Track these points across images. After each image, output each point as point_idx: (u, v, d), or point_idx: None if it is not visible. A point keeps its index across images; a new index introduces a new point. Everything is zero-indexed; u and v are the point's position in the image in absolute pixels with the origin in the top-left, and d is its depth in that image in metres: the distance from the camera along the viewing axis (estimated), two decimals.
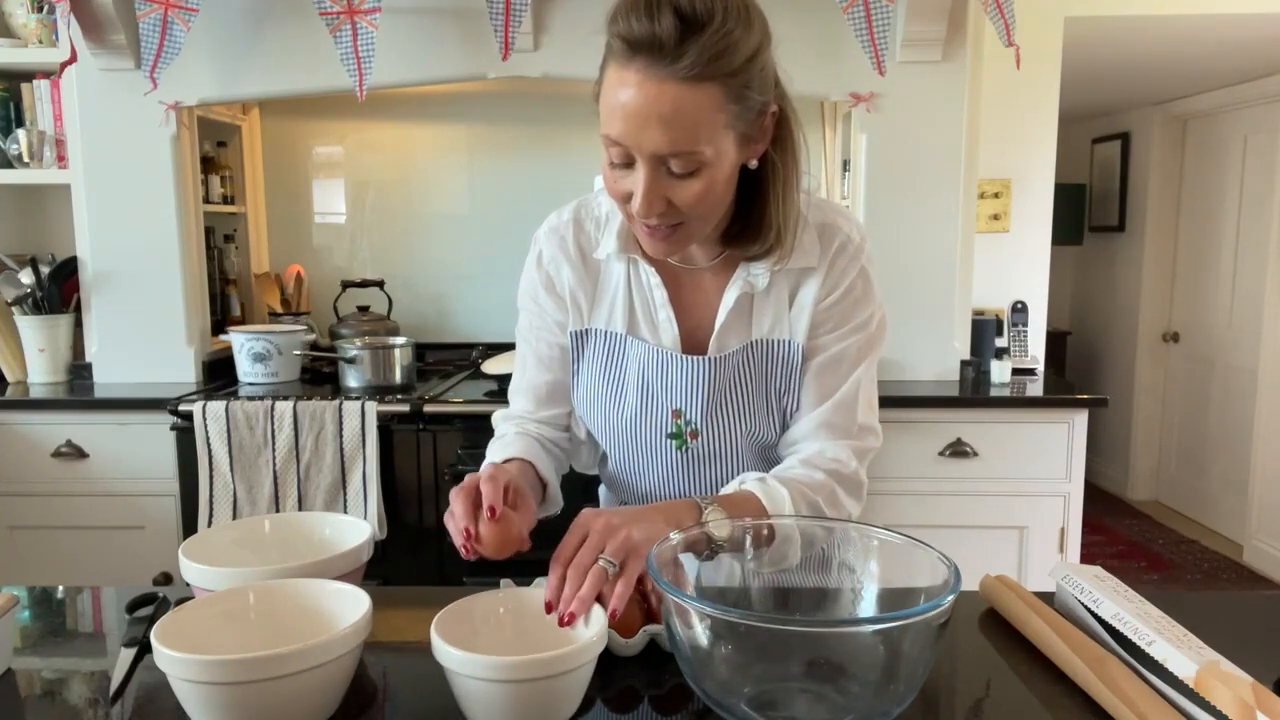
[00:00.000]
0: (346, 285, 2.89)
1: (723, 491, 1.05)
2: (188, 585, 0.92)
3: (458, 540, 0.91)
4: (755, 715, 0.73)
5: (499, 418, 1.22)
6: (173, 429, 2.29)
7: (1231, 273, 4.31)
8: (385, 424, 2.25)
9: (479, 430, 2.16)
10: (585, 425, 1.19)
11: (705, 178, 0.92)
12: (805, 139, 1.04)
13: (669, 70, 0.85)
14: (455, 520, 0.91)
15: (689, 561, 0.89)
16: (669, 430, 1.11)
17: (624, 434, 1.13)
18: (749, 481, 1.03)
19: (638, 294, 1.11)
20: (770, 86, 0.96)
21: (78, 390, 2.49)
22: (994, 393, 2.40)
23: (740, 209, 1.04)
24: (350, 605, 0.82)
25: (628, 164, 0.92)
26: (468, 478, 0.96)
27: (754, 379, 1.10)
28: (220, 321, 2.91)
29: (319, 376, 2.69)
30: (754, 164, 0.99)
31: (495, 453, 1.13)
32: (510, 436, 1.15)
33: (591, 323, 1.14)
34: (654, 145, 0.88)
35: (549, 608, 0.84)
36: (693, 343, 1.11)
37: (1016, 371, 2.68)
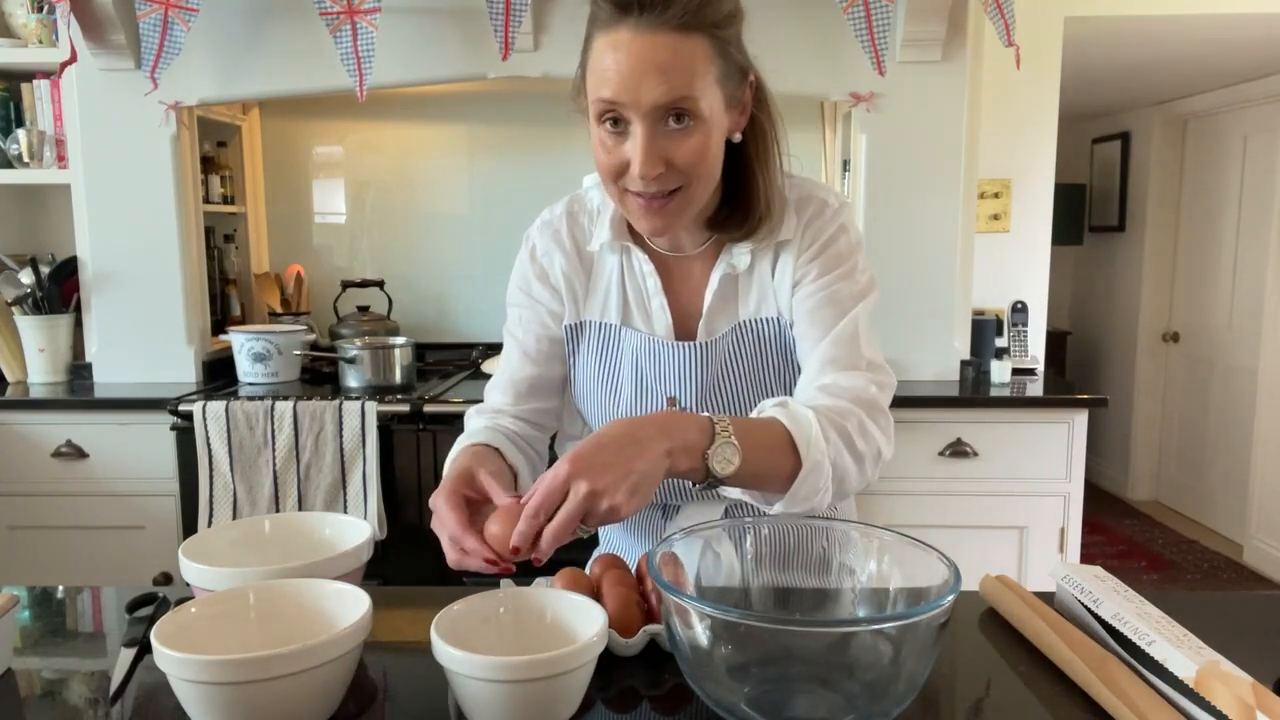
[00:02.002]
0: (346, 285, 2.89)
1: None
2: (188, 585, 0.92)
3: (490, 565, 0.84)
4: (755, 715, 0.73)
5: (471, 412, 1.15)
6: (173, 429, 2.29)
7: (1231, 273, 4.31)
8: (385, 424, 2.25)
9: None
10: (584, 419, 1.18)
11: (701, 134, 0.93)
12: (780, 114, 1.05)
13: (661, 20, 0.88)
14: (468, 544, 0.85)
15: (688, 559, 0.89)
16: None
17: None
18: (768, 409, 0.97)
19: (630, 284, 1.12)
20: (745, 55, 0.98)
21: (78, 390, 2.49)
22: (994, 393, 2.40)
23: (727, 191, 1.06)
24: (350, 605, 0.82)
25: (621, 132, 0.94)
26: (435, 510, 0.89)
27: (746, 362, 1.10)
28: (220, 321, 2.91)
29: (319, 376, 2.69)
30: (738, 137, 1.01)
31: (459, 445, 1.06)
32: (478, 430, 1.08)
33: (586, 315, 1.14)
34: (653, 96, 0.90)
35: (516, 551, 0.81)
36: (685, 331, 1.11)
37: (1016, 371, 2.68)
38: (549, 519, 0.80)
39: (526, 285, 1.16)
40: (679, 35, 0.89)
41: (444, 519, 0.87)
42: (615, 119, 0.93)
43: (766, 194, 1.03)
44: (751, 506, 0.99)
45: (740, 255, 1.08)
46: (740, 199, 1.05)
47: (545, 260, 1.14)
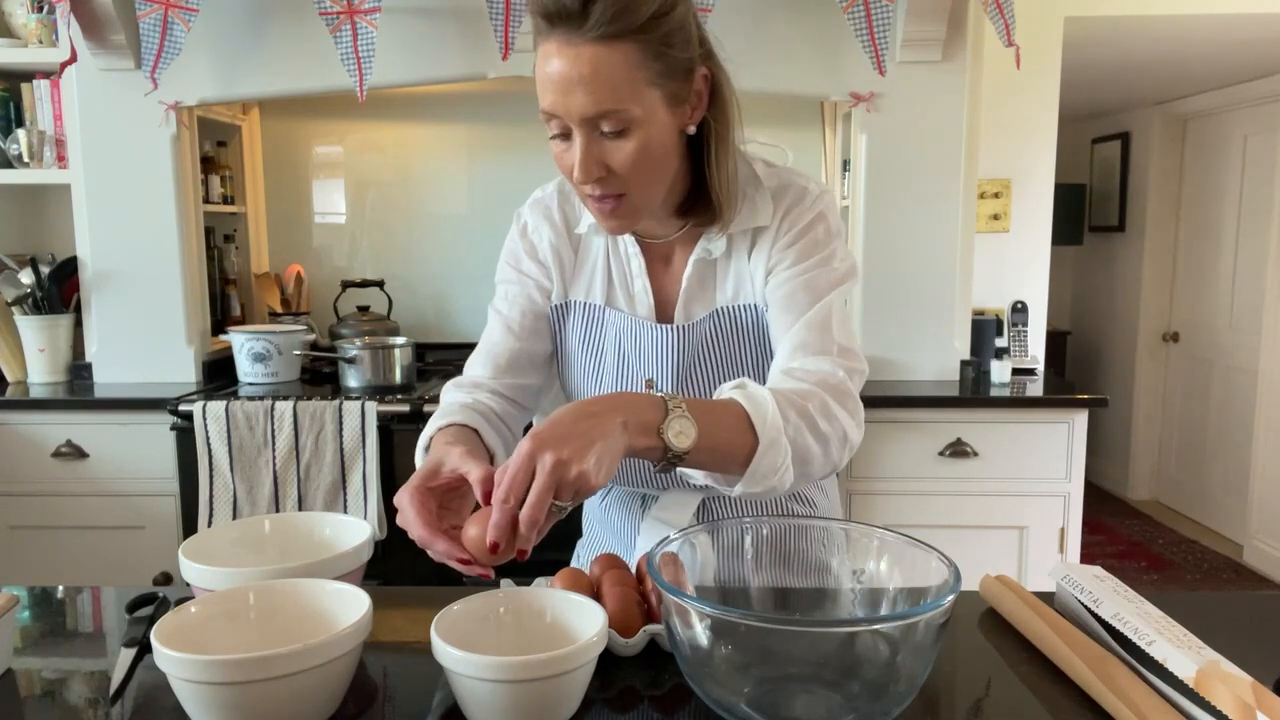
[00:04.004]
0: (346, 285, 2.89)
1: None
2: (188, 585, 0.92)
3: (464, 565, 0.82)
4: (755, 715, 0.73)
5: (449, 386, 1.13)
6: (173, 429, 2.29)
7: (1231, 273, 4.31)
8: (385, 424, 2.25)
9: None
10: (568, 398, 1.19)
11: (638, 138, 0.93)
12: (739, 102, 1.04)
13: (580, 34, 0.89)
14: (437, 546, 0.82)
15: (686, 558, 0.88)
16: None
17: None
18: (726, 391, 0.96)
19: (616, 266, 1.13)
20: (694, 46, 0.97)
21: (78, 390, 2.49)
22: (994, 393, 2.40)
23: (694, 179, 1.06)
24: (350, 605, 0.82)
25: (566, 135, 0.95)
26: (400, 508, 0.86)
27: (723, 348, 1.10)
28: (220, 321, 2.91)
29: (319, 376, 2.69)
30: (693, 130, 1.00)
31: (433, 423, 1.04)
32: (455, 408, 1.06)
33: (571, 295, 1.15)
34: (580, 108, 0.91)
35: (495, 548, 0.78)
36: (665, 314, 1.12)
37: (1016, 371, 2.68)
38: (521, 503, 0.78)
39: (516, 261, 1.17)
40: (600, 46, 0.89)
41: (408, 521, 0.85)
42: (557, 126, 0.94)
43: (719, 183, 1.03)
44: (734, 501, 0.98)
45: (715, 241, 1.08)
46: (704, 187, 1.05)
47: (535, 236, 1.16)
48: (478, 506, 0.84)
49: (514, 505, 0.78)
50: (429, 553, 0.84)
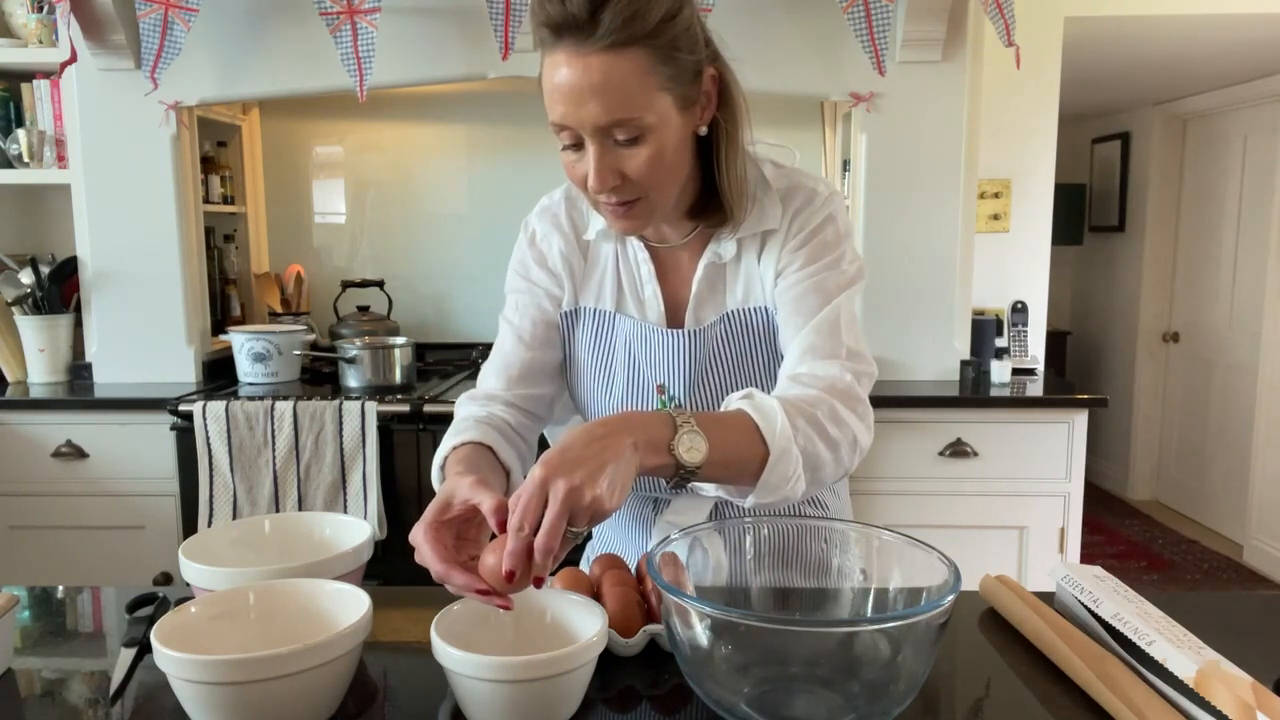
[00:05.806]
0: (346, 285, 2.89)
1: None
2: (188, 585, 0.92)
3: (483, 596, 0.79)
4: (755, 715, 0.73)
5: (463, 399, 1.12)
6: (173, 429, 2.29)
7: (1231, 273, 4.31)
8: (385, 424, 2.25)
9: None
10: (579, 406, 1.19)
11: (652, 144, 0.93)
12: (746, 102, 1.03)
13: (590, 43, 0.88)
14: (454, 579, 0.81)
15: (696, 560, 0.88)
16: (653, 407, 1.11)
17: (612, 411, 1.13)
18: (734, 402, 0.96)
19: (625, 271, 1.12)
20: (700, 47, 0.96)
21: (78, 390, 2.49)
22: (994, 393, 2.40)
23: (705, 181, 1.05)
24: (350, 605, 0.82)
25: (578, 146, 0.94)
26: (418, 537, 0.85)
27: (734, 352, 1.10)
28: (220, 321, 2.91)
29: (319, 376, 2.69)
30: (704, 131, 1.00)
31: (448, 440, 1.03)
32: (469, 424, 1.05)
33: (581, 301, 1.14)
34: (593, 118, 0.90)
35: (511, 576, 0.77)
36: (676, 319, 1.12)
37: (1016, 371, 2.68)
38: (536, 530, 0.77)
39: (525, 270, 1.16)
40: (611, 55, 0.88)
41: (425, 558, 0.84)
42: (569, 137, 0.94)
43: (729, 182, 1.03)
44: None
45: (726, 244, 1.08)
46: (715, 188, 1.05)
47: (544, 244, 1.15)
48: (494, 535, 0.83)
49: (529, 534, 0.77)
50: (447, 587, 0.83)
